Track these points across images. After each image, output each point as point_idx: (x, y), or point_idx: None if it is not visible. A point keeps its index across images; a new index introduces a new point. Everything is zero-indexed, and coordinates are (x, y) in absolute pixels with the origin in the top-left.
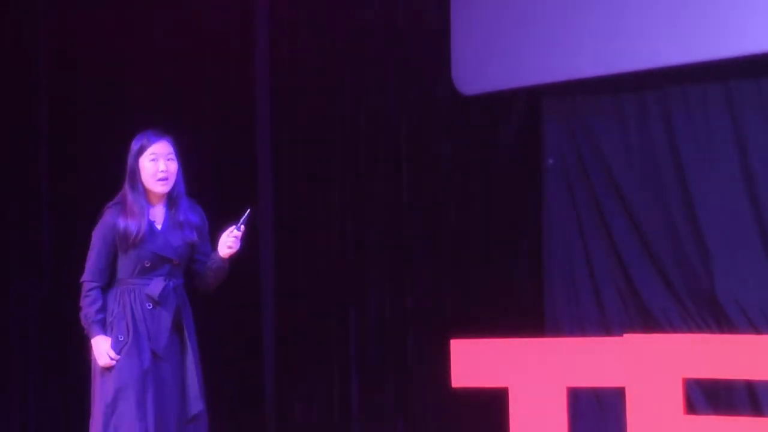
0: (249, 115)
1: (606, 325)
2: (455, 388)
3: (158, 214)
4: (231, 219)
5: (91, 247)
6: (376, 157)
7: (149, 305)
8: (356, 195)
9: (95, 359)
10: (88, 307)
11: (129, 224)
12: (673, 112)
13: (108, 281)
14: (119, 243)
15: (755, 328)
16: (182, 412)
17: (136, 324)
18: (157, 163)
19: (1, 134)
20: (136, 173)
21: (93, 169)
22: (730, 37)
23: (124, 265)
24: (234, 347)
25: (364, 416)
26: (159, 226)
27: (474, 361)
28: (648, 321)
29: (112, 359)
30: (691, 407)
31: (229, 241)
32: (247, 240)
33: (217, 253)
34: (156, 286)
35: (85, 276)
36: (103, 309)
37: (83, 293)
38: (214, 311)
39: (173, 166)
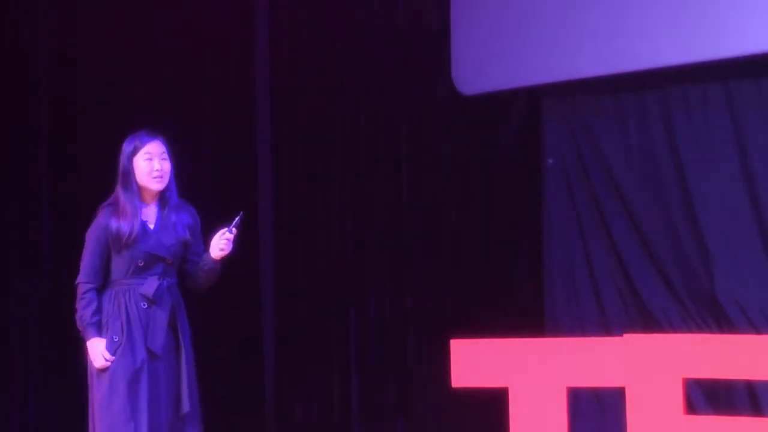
0: (249, 115)
1: (606, 325)
2: (455, 388)
3: (150, 214)
4: (231, 219)
5: (84, 248)
6: (376, 157)
7: (144, 304)
8: (356, 195)
9: (91, 361)
10: (84, 309)
11: (122, 224)
12: (673, 112)
13: (103, 282)
14: (112, 243)
15: (755, 328)
16: (177, 412)
17: (130, 324)
18: (152, 162)
19: (1, 134)
20: (130, 173)
21: (93, 169)
22: (730, 37)
23: (118, 265)
24: (234, 347)
25: (364, 416)
26: (151, 226)
27: (474, 361)
28: (648, 321)
29: (107, 360)
30: (691, 407)
31: (221, 244)
32: (247, 240)
33: (209, 254)
34: (150, 285)
35: (80, 278)
36: (98, 311)
37: (78, 295)
38: (214, 311)
39: (167, 165)
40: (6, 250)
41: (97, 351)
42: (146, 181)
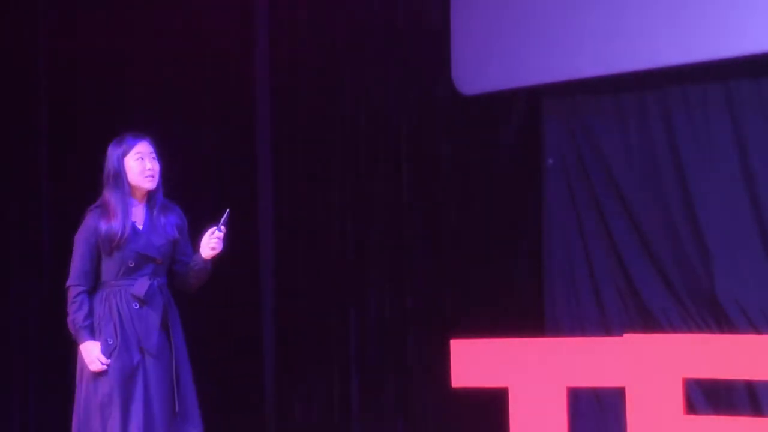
0: (249, 115)
1: (606, 325)
2: (455, 388)
3: (139, 215)
4: (231, 219)
5: (74, 251)
6: (376, 157)
7: (136, 305)
8: (356, 195)
9: (84, 365)
10: (75, 312)
11: (112, 225)
12: (673, 112)
13: (93, 284)
14: (102, 245)
15: (755, 328)
16: (173, 411)
17: (123, 325)
18: (143, 162)
19: (1, 134)
20: (121, 174)
21: (93, 169)
22: (730, 37)
23: (108, 267)
24: (234, 347)
25: (364, 416)
26: (141, 227)
27: (474, 361)
28: (648, 321)
29: (103, 364)
30: (691, 407)
31: (212, 243)
32: (247, 240)
33: (200, 254)
34: (141, 285)
35: (71, 280)
36: (90, 314)
37: (70, 298)
38: (213, 311)
39: (157, 165)
40: (6, 250)
41: (93, 355)
42: (138, 180)
